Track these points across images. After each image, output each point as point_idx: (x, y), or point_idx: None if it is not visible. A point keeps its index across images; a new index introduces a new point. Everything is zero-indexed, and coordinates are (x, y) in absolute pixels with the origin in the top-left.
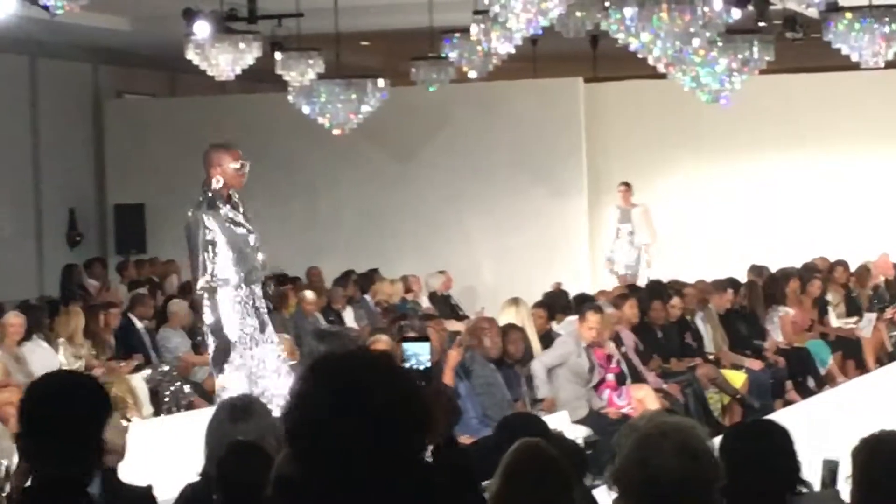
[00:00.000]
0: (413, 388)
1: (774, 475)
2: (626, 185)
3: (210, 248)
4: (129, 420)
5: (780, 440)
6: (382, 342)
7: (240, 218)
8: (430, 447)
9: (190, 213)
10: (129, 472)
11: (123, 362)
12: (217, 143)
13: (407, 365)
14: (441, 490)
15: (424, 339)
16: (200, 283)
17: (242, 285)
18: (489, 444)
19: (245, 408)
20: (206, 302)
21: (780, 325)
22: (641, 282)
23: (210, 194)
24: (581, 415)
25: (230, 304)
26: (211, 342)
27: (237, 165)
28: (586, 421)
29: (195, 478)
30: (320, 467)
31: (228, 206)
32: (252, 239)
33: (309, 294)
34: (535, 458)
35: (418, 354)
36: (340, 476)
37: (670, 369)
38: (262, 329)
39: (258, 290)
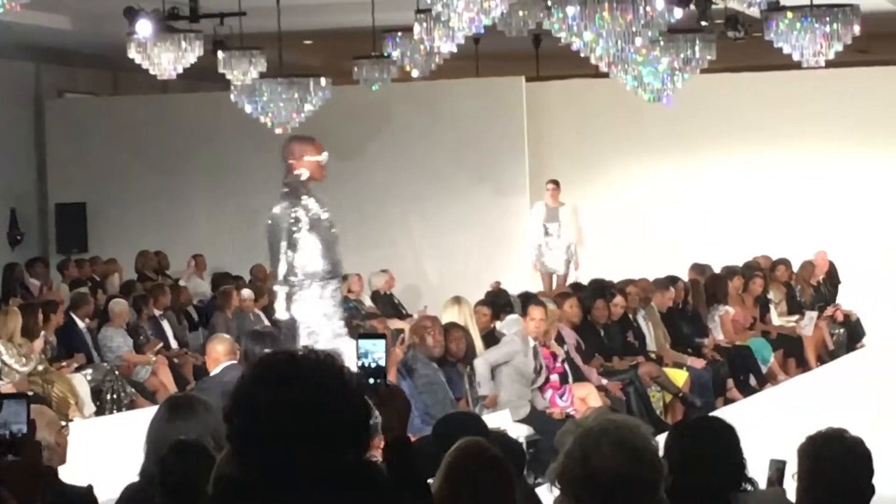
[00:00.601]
0: (352, 386)
1: (719, 473)
2: (555, 183)
3: (296, 243)
4: (70, 420)
5: (726, 437)
6: None
7: (323, 211)
8: (382, 445)
9: (278, 208)
10: (71, 472)
11: (65, 362)
12: (299, 136)
13: (362, 362)
14: (384, 489)
15: (380, 335)
16: (279, 278)
17: (330, 280)
18: (428, 443)
19: (186, 406)
20: (282, 298)
21: (720, 324)
22: (570, 282)
23: (296, 187)
24: (523, 414)
25: (317, 300)
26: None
27: (321, 158)
28: (528, 420)
29: (137, 478)
30: (261, 467)
31: (313, 199)
32: (334, 232)
33: (246, 292)
34: (477, 456)
35: (373, 351)
36: (281, 476)
37: (612, 368)
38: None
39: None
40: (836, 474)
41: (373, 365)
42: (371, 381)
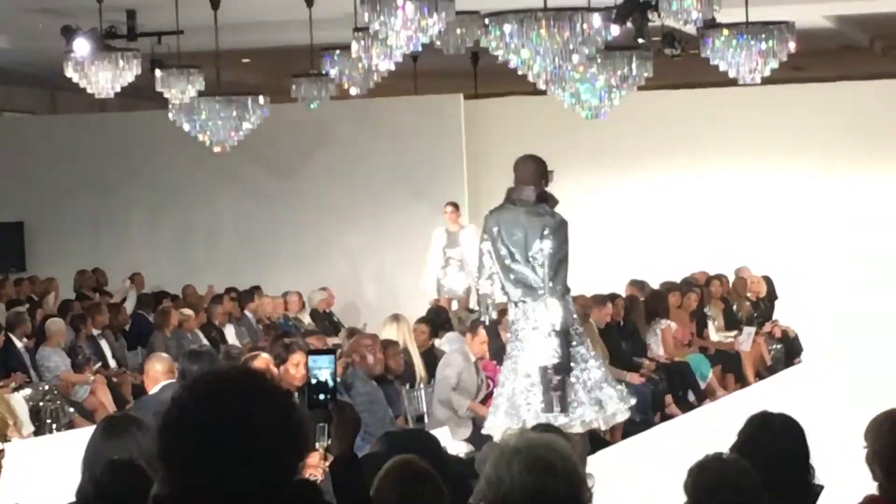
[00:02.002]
0: (286, 405)
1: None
2: (454, 205)
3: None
4: (9, 440)
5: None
6: (260, 360)
7: None
8: (329, 461)
9: (554, 222)
10: (10, 492)
11: (2, 382)
12: (536, 156)
13: (312, 377)
14: None
15: (330, 351)
16: (557, 291)
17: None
18: (376, 461)
19: (121, 426)
20: (557, 308)
21: (661, 338)
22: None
23: (551, 205)
24: (465, 434)
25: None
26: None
27: (552, 180)
28: (470, 438)
29: (73, 498)
30: (191, 488)
31: None
32: None
33: (187, 311)
34: (407, 471)
35: (323, 367)
36: (211, 496)
37: None
38: None
39: None
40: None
41: (322, 380)
42: (321, 396)
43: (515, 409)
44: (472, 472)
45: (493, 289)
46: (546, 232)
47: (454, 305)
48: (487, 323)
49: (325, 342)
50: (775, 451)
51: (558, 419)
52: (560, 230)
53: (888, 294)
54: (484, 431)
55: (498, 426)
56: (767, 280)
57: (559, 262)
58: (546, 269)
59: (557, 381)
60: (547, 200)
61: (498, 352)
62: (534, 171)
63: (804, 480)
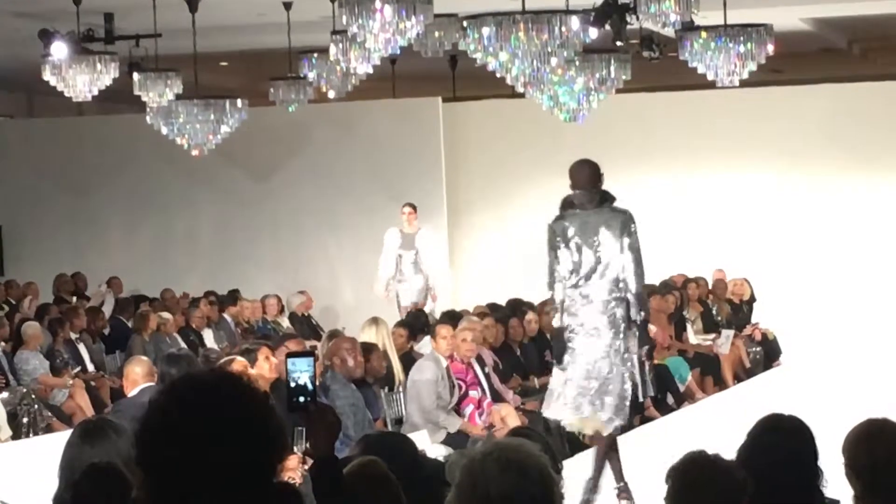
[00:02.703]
0: (264, 408)
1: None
2: (412, 206)
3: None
4: None
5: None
6: (237, 363)
7: None
8: (310, 464)
9: (625, 218)
10: None
11: None
12: (590, 159)
13: (291, 380)
14: None
15: (309, 353)
16: (638, 285)
17: None
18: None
19: (98, 430)
20: (642, 300)
21: None
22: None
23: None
24: (441, 436)
25: None
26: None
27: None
28: (446, 441)
29: (50, 502)
30: (171, 491)
31: None
32: None
33: (166, 315)
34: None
35: (302, 370)
36: (191, 499)
37: (530, 387)
38: None
39: None
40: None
41: (302, 383)
42: (300, 399)
43: (579, 406)
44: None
45: (565, 292)
46: (621, 230)
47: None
48: (558, 325)
49: (303, 345)
50: (784, 452)
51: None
52: (633, 226)
53: (867, 296)
54: (548, 415)
55: (563, 415)
56: (745, 282)
57: (637, 256)
58: (627, 264)
59: (650, 365)
60: (608, 199)
61: (560, 355)
62: (590, 175)
63: (812, 483)
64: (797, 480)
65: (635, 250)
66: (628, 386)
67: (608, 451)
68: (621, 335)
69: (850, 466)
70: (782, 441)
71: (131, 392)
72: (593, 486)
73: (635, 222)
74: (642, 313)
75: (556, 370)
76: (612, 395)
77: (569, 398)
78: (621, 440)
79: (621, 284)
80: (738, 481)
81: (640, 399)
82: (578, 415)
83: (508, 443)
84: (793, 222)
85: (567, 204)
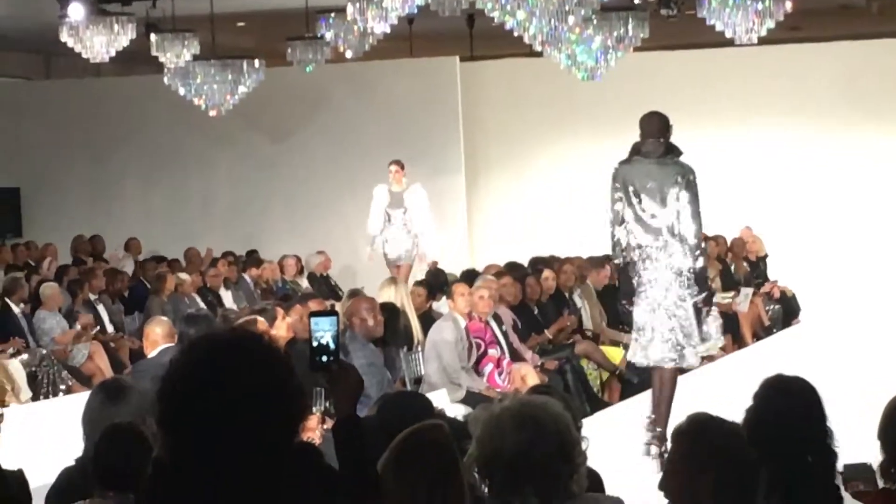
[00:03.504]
0: (285, 367)
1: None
2: (399, 163)
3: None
4: (6, 405)
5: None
6: (259, 323)
7: None
8: (332, 423)
9: (684, 170)
10: (8, 457)
11: (0, 346)
12: (659, 112)
13: (314, 339)
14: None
15: (331, 313)
16: (692, 234)
17: None
18: (373, 424)
19: (117, 390)
20: (694, 249)
21: None
22: (417, 274)
23: (677, 154)
24: (460, 396)
25: None
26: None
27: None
28: (465, 400)
29: (72, 462)
30: (190, 449)
31: None
32: None
33: (184, 275)
34: (423, 437)
35: (325, 329)
36: (210, 458)
37: (549, 346)
38: None
39: None
40: (703, 461)
41: (324, 342)
42: (323, 358)
43: (654, 344)
44: (468, 433)
45: (626, 235)
46: (679, 179)
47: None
48: (621, 265)
49: (324, 305)
50: (792, 413)
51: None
52: (692, 177)
53: (885, 254)
54: (633, 359)
55: (639, 358)
56: (760, 239)
57: (695, 207)
58: (683, 214)
59: (706, 312)
60: (673, 151)
61: (628, 293)
62: (659, 126)
63: (823, 444)
64: (808, 442)
65: (693, 201)
66: (689, 329)
67: (665, 390)
68: (678, 282)
69: (881, 437)
70: (790, 403)
71: (151, 353)
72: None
73: (695, 175)
74: (699, 262)
75: (635, 311)
76: (672, 337)
77: (644, 339)
78: (640, 399)
79: (678, 233)
80: (740, 442)
81: (697, 344)
82: (666, 351)
83: (530, 400)
84: (810, 180)
85: (634, 151)
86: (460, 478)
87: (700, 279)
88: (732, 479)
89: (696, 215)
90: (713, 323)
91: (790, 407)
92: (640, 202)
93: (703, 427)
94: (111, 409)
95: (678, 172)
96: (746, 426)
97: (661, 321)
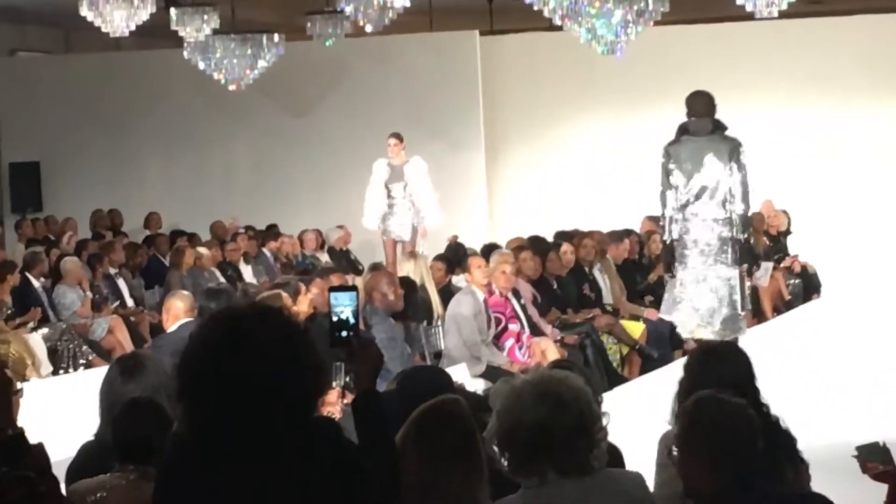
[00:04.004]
0: (305, 342)
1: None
2: (397, 136)
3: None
4: (27, 380)
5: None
6: (280, 297)
7: None
8: (352, 398)
9: (733, 146)
10: (30, 431)
11: (19, 319)
12: (705, 90)
13: (334, 314)
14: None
15: (351, 288)
16: (742, 207)
17: None
18: (392, 398)
19: (136, 365)
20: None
21: None
22: (419, 248)
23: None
24: (480, 370)
25: None
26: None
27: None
28: (485, 374)
29: (92, 437)
30: (209, 423)
31: None
32: None
33: (203, 250)
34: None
35: (345, 304)
36: (231, 432)
37: (568, 321)
38: None
39: None
40: (707, 440)
41: (344, 317)
42: (343, 333)
43: (697, 310)
44: (488, 407)
45: (677, 211)
46: (730, 155)
47: (399, 250)
48: (668, 241)
49: (344, 280)
50: (720, 377)
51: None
52: (741, 153)
53: None
54: (666, 317)
55: (682, 321)
56: (783, 214)
57: (744, 180)
58: (734, 188)
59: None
60: (720, 127)
61: (669, 265)
62: (707, 104)
63: (756, 402)
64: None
65: (742, 175)
66: (735, 299)
67: None
68: (726, 253)
69: None
70: (716, 367)
71: (171, 327)
72: None
73: (743, 149)
74: (745, 233)
75: (675, 279)
76: (720, 307)
77: (686, 305)
78: (660, 373)
79: (728, 206)
80: (747, 420)
81: (741, 312)
82: (695, 321)
83: (552, 374)
84: (832, 155)
85: (682, 130)
86: (479, 451)
87: (745, 250)
88: (732, 458)
89: (746, 189)
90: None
91: (716, 372)
92: (689, 179)
93: (703, 406)
94: (127, 385)
95: (728, 148)
96: (678, 399)
97: (704, 293)
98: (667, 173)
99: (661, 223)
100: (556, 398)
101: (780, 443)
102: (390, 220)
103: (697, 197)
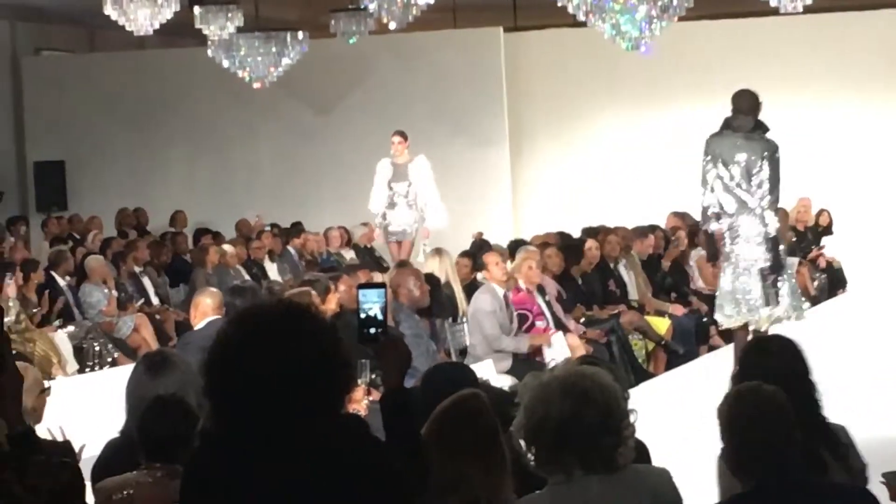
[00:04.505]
0: (332, 339)
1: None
2: (402, 134)
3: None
4: (53, 378)
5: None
6: (307, 294)
7: None
8: (380, 394)
9: (770, 146)
10: (56, 429)
11: (45, 310)
12: (751, 89)
13: (362, 311)
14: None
15: (380, 285)
16: (772, 206)
17: None
18: (417, 395)
19: (162, 362)
20: (773, 219)
21: (696, 268)
22: (417, 251)
23: (764, 131)
24: (506, 367)
25: None
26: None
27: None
28: (512, 370)
29: (118, 435)
30: (237, 421)
31: None
32: None
33: (228, 247)
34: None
35: (373, 301)
36: (258, 429)
37: (594, 317)
38: None
39: None
40: (751, 428)
41: (372, 314)
42: (371, 330)
43: (737, 303)
44: (514, 402)
45: (715, 203)
46: (765, 154)
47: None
48: (709, 231)
49: (371, 277)
50: (776, 371)
51: (774, 311)
52: (776, 153)
53: None
54: (717, 318)
55: (723, 318)
56: (826, 214)
57: (775, 181)
58: (766, 186)
59: (772, 280)
60: (761, 127)
61: (713, 255)
62: (750, 102)
63: (811, 396)
64: (794, 397)
65: (773, 175)
66: (767, 292)
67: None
68: (760, 248)
69: None
70: (773, 361)
71: (199, 324)
72: None
73: (779, 152)
74: (771, 229)
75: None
76: (752, 300)
77: (730, 298)
78: (686, 369)
79: (759, 203)
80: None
81: (770, 305)
82: (742, 312)
83: (581, 370)
84: (855, 151)
85: (725, 125)
86: (501, 446)
87: (773, 247)
88: (760, 445)
89: (775, 188)
90: (783, 287)
91: (773, 366)
92: (728, 173)
93: (737, 395)
94: (153, 382)
95: (764, 148)
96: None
97: (743, 285)
98: (706, 163)
99: (709, 212)
100: (584, 393)
101: (825, 440)
102: (389, 218)
103: (734, 192)
